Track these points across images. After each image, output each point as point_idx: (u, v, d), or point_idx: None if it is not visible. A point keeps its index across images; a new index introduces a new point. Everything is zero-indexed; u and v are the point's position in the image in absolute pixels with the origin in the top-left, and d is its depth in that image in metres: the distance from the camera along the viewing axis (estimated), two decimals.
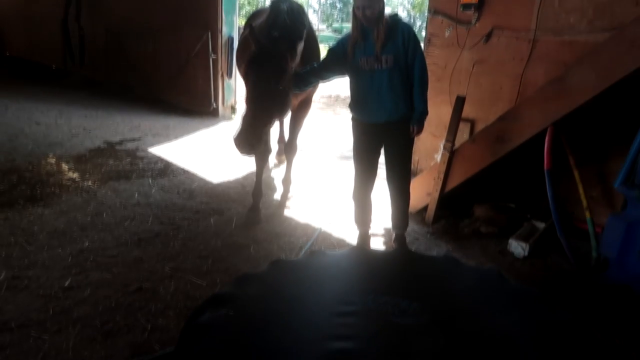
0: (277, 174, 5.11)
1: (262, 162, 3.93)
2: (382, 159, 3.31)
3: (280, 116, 3.27)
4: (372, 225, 3.54)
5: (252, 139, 2.94)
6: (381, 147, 3.25)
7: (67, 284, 2.81)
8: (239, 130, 2.98)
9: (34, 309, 2.57)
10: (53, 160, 5.20)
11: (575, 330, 1.87)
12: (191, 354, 1.79)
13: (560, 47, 3.92)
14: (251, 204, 3.93)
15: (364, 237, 3.48)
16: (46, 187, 4.34)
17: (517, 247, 3.52)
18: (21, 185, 4.34)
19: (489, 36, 4.43)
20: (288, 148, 4.30)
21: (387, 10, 3.02)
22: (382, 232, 3.83)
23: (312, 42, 3.67)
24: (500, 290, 2.20)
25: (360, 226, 3.49)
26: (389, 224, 3.58)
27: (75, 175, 4.77)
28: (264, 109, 2.97)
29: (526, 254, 3.48)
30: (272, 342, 1.80)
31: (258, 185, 3.93)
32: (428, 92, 3.14)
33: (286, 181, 4.31)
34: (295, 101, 3.69)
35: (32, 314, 2.52)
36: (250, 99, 3.01)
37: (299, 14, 3.40)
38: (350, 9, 3.07)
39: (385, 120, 3.06)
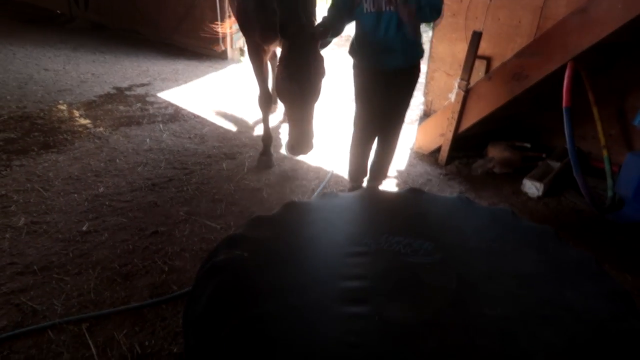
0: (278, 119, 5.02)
1: (266, 108, 3.82)
2: None
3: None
4: (365, 181, 3.39)
5: (310, 140, 2.85)
6: (383, 95, 2.99)
7: (84, 228, 2.87)
8: (294, 137, 2.83)
9: (54, 252, 2.64)
10: (64, 107, 5.18)
11: (588, 268, 1.87)
12: (207, 293, 1.84)
13: None
14: (262, 149, 3.90)
15: None
16: (58, 134, 4.35)
17: (531, 187, 3.48)
18: (34, 132, 4.36)
19: None
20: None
21: None
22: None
23: None
24: (513, 230, 2.19)
25: (353, 181, 3.35)
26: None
27: (86, 121, 4.77)
28: (312, 108, 2.83)
29: (540, 193, 3.44)
30: (285, 281, 1.83)
31: (266, 130, 3.87)
32: (443, 29, 2.96)
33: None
34: None
35: (52, 257, 2.59)
36: (295, 102, 2.77)
37: None
38: None
39: (392, 67, 2.84)
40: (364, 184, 3.39)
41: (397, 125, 3.11)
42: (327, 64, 2.77)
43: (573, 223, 3.22)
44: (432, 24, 2.83)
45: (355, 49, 2.93)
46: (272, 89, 4.81)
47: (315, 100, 2.82)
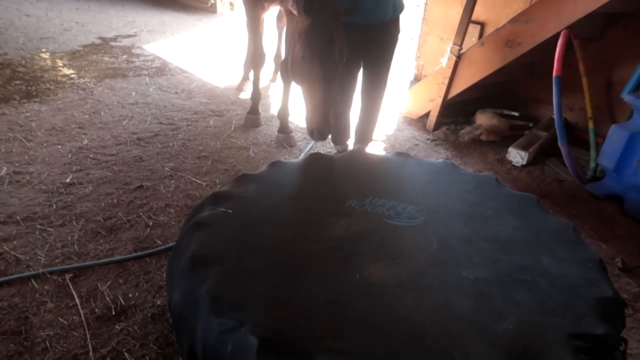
0: (275, 85, 4.91)
1: (258, 67, 3.70)
2: None
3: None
4: (348, 144, 3.31)
5: (331, 124, 2.57)
6: (364, 53, 2.90)
7: (68, 180, 2.85)
8: (315, 121, 2.56)
9: (38, 203, 2.62)
10: (47, 55, 5.03)
11: (566, 236, 1.91)
12: (191, 248, 1.85)
13: None
14: (250, 107, 3.83)
15: None
16: (41, 83, 4.24)
17: (516, 156, 3.52)
18: (15, 80, 4.23)
19: None
20: (285, 69, 3.75)
21: None
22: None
23: None
24: (496, 196, 2.22)
25: (338, 145, 3.30)
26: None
27: (70, 71, 4.64)
28: (333, 91, 2.58)
29: (524, 162, 3.49)
30: (268, 239, 1.85)
31: (256, 88, 3.77)
32: None
33: (283, 113, 3.61)
34: (284, 6, 3.27)
35: (36, 208, 2.57)
36: (316, 83, 2.51)
37: None
38: None
39: (378, 21, 2.76)
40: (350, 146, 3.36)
41: (379, 85, 3.02)
42: None
43: (555, 192, 3.28)
44: None
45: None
46: (275, 56, 4.66)
47: (337, 82, 2.60)
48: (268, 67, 4.81)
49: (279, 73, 4.44)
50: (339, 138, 3.25)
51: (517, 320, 1.44)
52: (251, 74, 4.01)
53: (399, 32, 2.92)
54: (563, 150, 3.21)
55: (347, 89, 3.02)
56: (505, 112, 4.06)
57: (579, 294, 1.57)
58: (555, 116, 3.21)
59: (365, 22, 2.78)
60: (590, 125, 3.42)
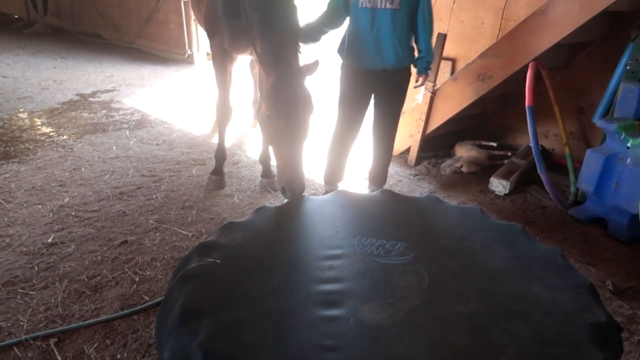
0: (255, 130, 4.94)
1: (224, 120, 3.53)
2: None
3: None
4: (340, 186, 3.34)
5: (302, 181, 2.52)
6: (370, 97, 3.01)
7: (50, 240, 2.79)
8: (285, 180, 2.51)
9: (19, 266, 2.55)
10: (25, 115, 5.02)
11: (555, 262, 1.92)
12: (180, 302, 1.81)
13: None
14: (214, 167, 3.60)
15: None
16: (20, 143, 4.22)
17: (498, 185, 3.57)
18: None
19: None
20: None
21: None
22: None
23: None
24: (482, 227, 2.24)
25: (328, 185, 3.31)
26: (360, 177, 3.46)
27: (49, 130, 4.63)
28: (302, 147, 2.55)
29: (507, 191, 3.54)
30: (259, 287, 1.82)
31: (221, 146, 3.56)
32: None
33: (264, 157, 3.61)
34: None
35: (17, 272, 2.50)
36: (285, 140, 2.50)
37: None
38: None
39: (382, 67, 2.82)
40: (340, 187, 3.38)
41: (390, 127, 3.09)
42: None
43: (539, 219, 3.32)
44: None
45: (346, 47, 2.90)
46: (254, 101, 4.59)
47: (305, 138, 2.57)
48: (247, 113, 4.88)
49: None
50: (331, 179, 3.28)
51: (515, 352, 1.43)
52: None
53: (405, 81, 2.96)
54: (543, 177, 3.27)
55: (348, 131, 3.08)
56: (484, 142, 4.15)
57: (574, 321, 1.56)
58: (532, 144, 3.29)
59: (369, 68, 2.85)
60: (567, 150, 3.51)
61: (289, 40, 2.60)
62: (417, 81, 2.98)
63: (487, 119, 4.46)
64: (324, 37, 3.04)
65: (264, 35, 2.58)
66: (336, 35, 3.10)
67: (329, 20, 2.93)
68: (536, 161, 3.28)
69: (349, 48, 2.89)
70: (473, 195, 3.59)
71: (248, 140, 4.55)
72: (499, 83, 3.52)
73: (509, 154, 4.05)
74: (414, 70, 3.00)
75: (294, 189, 2.49)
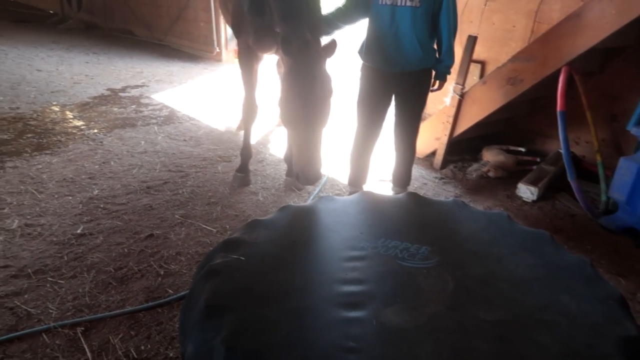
0: (281, 129, 4.97)
1: (250, 119, 3.53)
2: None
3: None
4: (365, 187, 3.33)
5: (319, 169, 2.48)
6: (390, 99, 2.99)
7: (79, 231, 2.85)
8: (301, 166, 2.48)
9: (49, 255, 2.62)
10: (57, 108, 5.15)
11: (583, 272, 1.88)
12: (204, 297, 1.83)
13: None
14: (239, 165, 3.61)
15: None
16: (52, 136, 4.33)
17: (526, 191, 3.51)
18: (27, 134, 4.33)
19: None
20: None
21: None
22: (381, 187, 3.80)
23: None
24: (509, 234, 2.20)
25: (353, 186, 3.30)
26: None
27: (80, 123, 4.74)
28: (319, 132, 2.49)
29: (535, 197, 3.47)
30: (282, 285, 1.83)
31: (247, 143, 3.57)
32: None
33: (289, 156, 3.59)
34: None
35: (47, 261, 2.57)
36: (301, 126, 2.46)
37: None
38: None
39: (401, 69, 2.79)
40: (364, 188, 3.37)
41: (412, 128, 3.05)
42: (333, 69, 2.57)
43: (567, 227, 3.24)
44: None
45: (365, 47, 2.88)
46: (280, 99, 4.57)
47: (323, 123, 2.51)
48: (273, 112, 4.91)
49: None
50: (355, 180, 3.28)
51: None
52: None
53: (426, 83, 2.91)
54: (573, 184, 3.20)
55: (369, 133, 3.07)
56: (512, 147, 4.08)
57: (603, 333, 1.53)
58: (562, 150, 3.22)
59: (389, 70, 2.83)
60: (598, 158, 3.42)
61: (310, 23, 2.59)
62: (433, 85, 2.92)
63: (516, 123, 4.38)
64: (337, 32, 2.99)
65: (284, 19, 2.57)
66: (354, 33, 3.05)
67: (345, 15, 2.90)
68: (566, 168, 3.21)
69: (368, 48, 2.87)
70: (500, 201, 3.53)
71: (273, 139, 4.58)
72: (530, 87, 3.46)
73: (538, 159, 3.97)
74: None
75: (308, 176, 2.46)
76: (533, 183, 3.54)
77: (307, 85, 2.38)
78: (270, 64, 4.24)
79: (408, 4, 2.63)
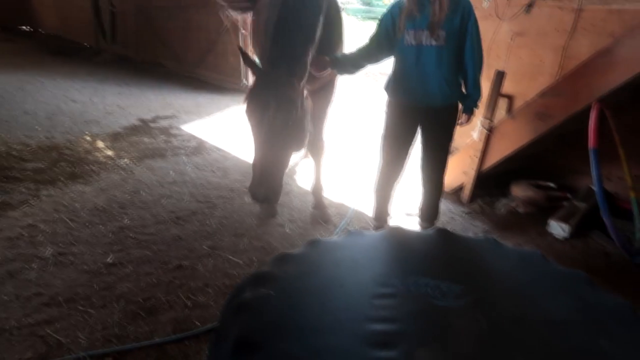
0: (307, 161, 5.03)
1: None
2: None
3: (297, 150, 2.77)
4: (390, 221, 3.31)
5: (267, 191, 2.48)
6: (415, 134, 2.98)
7: (109, 260, 2.90)
8: (252, 181, 2.53)
9: (80, 284, 2.66)
10: (90, 138, 5.31)
11: (623, 315, 1.82)
12: (234, 332, 1.82)
13: (608, 16, 3.73)
14: None
15: None
16: (85, 165, 4.45)
17: (557, 228, 3.43)
18: (61, 163, 4.46)
19: (530, 6, 4.25)
20: (312, 146, 3.55)
21: None
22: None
23: (333, 13, 3.02)
24: (544, 273, 2.15)
25: (377, 221, 3.28)
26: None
27: (112, 152, 4.87)
28: (274, 154, 2.49)
29: (567, 235, 3.39)
30: (312, 322, 1.81)
31: None
32: None
33: (316, 189, 3.64)
34: (313, 86, 3.25)
35: (78, 289, 2.61)
36: (256, 145, 2.53)
37: None
38: None
39: (427, 105, 2.80)
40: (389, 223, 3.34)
41: (439, 163, 3.02)
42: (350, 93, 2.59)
43: (602, 266, 3.15)
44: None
45: (392, 84, 2.91)
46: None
47: (279, 147, 2.49)
48: None
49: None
50: (379, 214, 3.26)
51: None
52: None
53: (452, 119, 2.90)
54: (607, 222, 3.12)
55: (393, 168, 3.06)
56: (541, 183, 4.02)
57: None
58: (595, 188, 3.15)
59: (415, 104, 2.84)
60: (632, 194, 3.34)
61: (296, 55, 2.58)
62: (459, 118, 2.91)
63: (545, 158, 4.33)
64: (360, 71, 3.00)
65: (271, 45, 2.61)
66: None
67: (369, 54, 2.90)
68: (600, 205, 3.13)
69: (394, 85, 2.89)
70: (530, 237, 3.46)
71: (300, 171, 4.61)
72: (560, 123, 3.43)
73: (569, 195, 3.90)
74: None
75: (253, 194, 2.49)
76: (564, 219, 3.47)
77: (260, 106, 2.41)
78: None
79: (433, 43, 2.65)
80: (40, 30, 16.15)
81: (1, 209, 3.48)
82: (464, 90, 2.88)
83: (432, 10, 2.60)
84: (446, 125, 2.92)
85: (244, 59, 2.51)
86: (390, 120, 2.97)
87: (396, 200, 3.28)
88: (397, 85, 2.87)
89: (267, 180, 2.46)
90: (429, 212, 3.23)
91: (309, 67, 2.68)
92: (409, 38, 2.69)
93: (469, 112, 2.89)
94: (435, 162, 3.03)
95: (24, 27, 16.38)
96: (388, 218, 3.31)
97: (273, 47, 2.61)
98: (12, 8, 15.95)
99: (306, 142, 2.75)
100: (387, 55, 2.90)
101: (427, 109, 2.83)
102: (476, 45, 2.72)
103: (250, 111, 2.46)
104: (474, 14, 2.68)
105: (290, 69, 2.49)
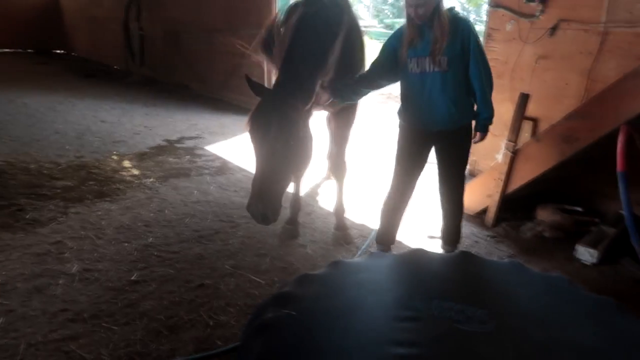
0: (330, 183, 5.03)
1: (299, 173, 3.46)
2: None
3: (299, 172, 2.89)
4: (392, 247, 3.24)
5: (265, 209, 2.50)
6: (427, 157, 2.97)
7: (133, 277, 2.93)
8: (250, 197, 2.56)
9: (104, 300, 2.70)
10: (117, 158, 5.44)
11: None
12: (255, 351, 1.82)
13: (634, 39, 3.70)
14: (288, 217, 3.62)
15: None
16: (112, 184, 4.54)
17: (585, 254, 3.35)
18: (89, 181, 4.57)
19: (554, 29, 4.25)
20: (334, 167, 3.67)
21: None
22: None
23: (353, 38, 3.12)
24: (571, 299, 2.10)
25: (381, 244, 3.20)
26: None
27: (138, 172, 4.97)
28: (273, 172, 2.53)
29: (595, 260, 3.30)
30: (333, 343, 1.80)
31: (296, 197, 3.61)
32: None
33: (338, 210, 3.65)
34: (334, 108, 3.32)
35: (102, 306, 2.64)
36: (257, 163, 2.59)
37: (333, 11, 2.93)
38: (402, 3, 2.76)
39: (438, 128, 2.80)
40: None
41: (456, 185, 2.99)
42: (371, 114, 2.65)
43: (633, 294, 3.05)
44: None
45: (402, 109, 2.94)
46: (329, 154, 4.68)
47: (279, 166, 2.54)
48: (322, 165, 4.99)
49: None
50: (383, 238, 3.19)
51: None
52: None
53: (464, 140, 2.89)
54: (637, 248, 3.03)
55: (402, 190, 3.03)
56: (568, 207, 3.94)
57: None
58: (624, 212, 3.08)
59: (427, 129, 2.84)
60: None
61: (298, 72, 2.69)
62: (474, 137, 2.88)
63: (571, 182, 4.25)
64: (361, 97, 3.05)
65: (282, 65, 2.74)
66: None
67: (371, 81, 2.94)
68: (629, 229, 3.05)
69: (404, 110, 2.91)
70: (557, 263, 3.38)
71: (322, 192, 4.63)
72: (586, 146, 3.37)
73: (597, 220, 3.81)
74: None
75: (251, 211, 2.55)
76: (593, 245, 3.38)
77: (260, 127, 2.51)
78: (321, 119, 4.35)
79: (436, 69, 2.66)
80: (73, 53, 16.75)
81: (31, 225, 3.57)
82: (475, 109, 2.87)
83: (434, 37, 2.62)
84: (460, 147, 2.91)
85: (248, 83, 2.64)
86: (402, 144, 2.98)
87: (401, 224, 3.21)
88: (406, 111, 2.90)
89: (265, 198, 2.51)
90: (451, 235, 3.18)
91: (316, 91, 2.75)
92: (413, 66, 2.71)
93: (483, 130, 2.85)
94: (452, 184, 2.99)
95: (58, 51, 17.00)
96: (392, 243, 3.22)
97: (281, 70, 2.75)
98: (48, 33, 16.60)
99: (308, 164, 2.83)
100: (389, 81, 2.95)
101: (438, 132, 2.83)
102: (481, 65, 2.70)
103: (252, 129, 2.56)
104: (474, 34, 2.68)
105: (294, 91, 2.59)
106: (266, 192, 2.51)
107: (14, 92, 9.16)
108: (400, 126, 3.00)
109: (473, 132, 2.90)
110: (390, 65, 2.84)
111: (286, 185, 2.68)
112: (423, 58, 2.68)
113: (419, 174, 3.02)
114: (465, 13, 34.32)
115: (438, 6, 2.60)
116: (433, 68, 2.67)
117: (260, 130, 2.52)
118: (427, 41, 2.67)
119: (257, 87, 2.65)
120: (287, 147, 2.53)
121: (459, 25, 2.66)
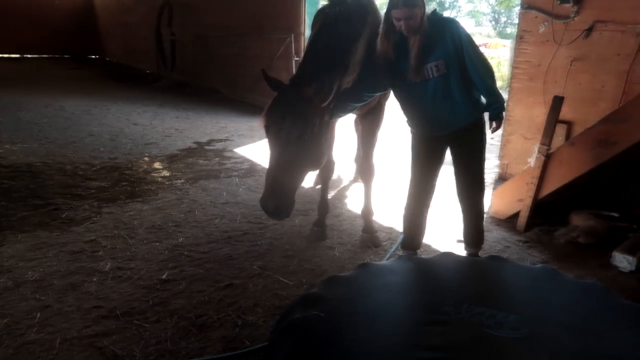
0: (358, 185, 5.02)
1: (326, 175, 3.60)
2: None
3: (313, 168, 2.87)
4: (419, 251, 3.20)
5: (279, 203, 2.54)
6: (442, 158, 2.92)
7: (164, 276, 2.99)
8: (263, 192, 2.58)
9: (136, 298, 2.75)
10: (149, 159, 5.56)
11: None
12: (283, 351, 1.83)
13: None
14: (316, 219, 3.66)
15: None
16: (144, 185, 4.65)
17: (622, 261, 3.24)
18: (122, 182, 4.68)
19: (589, 31, 4.14)
20: (362, 169, 3.70)
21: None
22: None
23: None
24: (607, 307, 2.03)
25: (407, 250, 3.14)
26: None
27: (169, 173, 5.07)
28: (287, 167, 2.55)
29: (633, 268, 3.19)
30: (361, 345, 1.79)
31: (323, 198, 3.62)
32: (520, 93, 2.85)
33: (366, 212, 3.62)
34: (361, 111, 3.32)
35: (134, 303, 2.70)
36: (270, 156, 2.62)
37: (357, 12, 2.90)
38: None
39: (449, 130, 2.76)
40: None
41: (474, 184, 2.92)
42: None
43: None
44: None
45: (410, 120, 2.91)
46: (356, 157, 4.52)
47: (292, 161, 2.55)
48: (350, 167, 4.99)
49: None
50: (407, 244, 3.14)
51: None
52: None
53: (477, 135, 2.83)
54: None
55: (421, 194, 2.98)
56: (603, 212, 3.82)
57: None
58: None
59: (431, 134, 2.82)
60: None
61: (316, 68, 2.69)
62: (490, 126, 2.79)
63: (607, 187, 4.12)
64: (348, 112, 3.04)
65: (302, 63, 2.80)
66: None
67: (365, 95, 2.92)
68: None
69: (411, 119, 2.88)
70: (592, 270, 3.28)
71: (350, 194, 4.62)
72: (623, 150, 3.27)
73: (635, 226, 3.68)
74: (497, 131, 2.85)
75: (263, 205, 2.58)
76: (631, 252, 3.27)
77: (275, 121, 2.54)
78: (349, 122, 4.34)
79: (436, 74, 2.61)
80: (107, 58, 17.24)
81: (66, 224, 3.69)
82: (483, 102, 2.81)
83: (412, 53, 2.57)
84: (473, 143, 2.85)
85: (265, 77, 2.66)
86: (415, 148, 2.94)
87: (445, 226, 3.18)
88: (414, 119, 2.86)
89: (277, 193, 2.53)
90: (473, 237, 3.09)
91: (334, 90, 2.72)
92: (412, 77, 2.65)
93: (496, 118, 2.76)
94: (470, 184, 2.92)
95: (92, 56, 17.53)
96: (418, 248, 3.18)
97: (300, 66, 2.80)
98: (83, 39, 17.16)
99: (323, 161, 2.85)
100: (380, 92, 2.99)
101: (450, 134, 2.78)
102: (475, 59, 2.64)
103: (267, 123, 2.59)
104: (463, 31, 2.63)
105: (310, 87, 2.59)
106: (279, 187, 2.54)
107: (51, 96, 9.50)
108: (412, 132, 2.96)
109: (489, 122, 2.82)
110: (382, 77, 2.78)
111: (300, 181, 2.71)
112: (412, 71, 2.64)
113: (436, 177, 2.97)
114: (496, 15, 33.77)
115: (424, 15, 2.52)
116: (432, 74, 2.62)
117: (275, 124, 2.55)
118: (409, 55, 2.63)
119: (273, 82, 2.67)
120: (301, 141, 2.54)
121: (446, 26, 2.62)
